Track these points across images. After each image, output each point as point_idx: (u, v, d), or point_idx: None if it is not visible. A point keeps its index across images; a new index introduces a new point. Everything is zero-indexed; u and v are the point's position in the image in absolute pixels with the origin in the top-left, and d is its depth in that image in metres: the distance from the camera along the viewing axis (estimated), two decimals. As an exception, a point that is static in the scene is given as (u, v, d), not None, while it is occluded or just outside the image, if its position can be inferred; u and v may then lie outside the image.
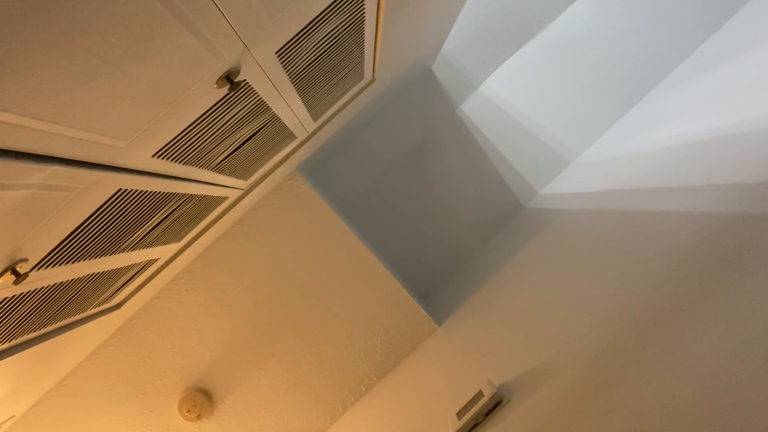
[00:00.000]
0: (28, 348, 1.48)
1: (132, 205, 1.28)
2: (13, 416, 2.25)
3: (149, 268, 2.00)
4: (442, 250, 3.37)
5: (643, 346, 1.15)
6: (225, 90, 1.13)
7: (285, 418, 2.62)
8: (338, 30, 1.40)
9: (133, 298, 2.20)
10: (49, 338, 1.59)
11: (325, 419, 2.62)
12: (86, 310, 1.76)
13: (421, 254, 3.36)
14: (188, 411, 2.55)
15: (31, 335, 1.49)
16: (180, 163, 1.31)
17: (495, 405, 1.51)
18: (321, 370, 2.64)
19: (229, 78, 1.09)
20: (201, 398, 2.57)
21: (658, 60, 3.37)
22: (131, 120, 0.95)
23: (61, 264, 1.23)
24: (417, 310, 2.66)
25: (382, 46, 1.83)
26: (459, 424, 1.54)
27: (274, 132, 1.75)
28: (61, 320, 1.60)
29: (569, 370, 1.34)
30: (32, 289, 1.23)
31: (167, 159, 1.23)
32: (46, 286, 1.28)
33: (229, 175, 1.75)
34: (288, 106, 1.61)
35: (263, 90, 1.34)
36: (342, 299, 2.67)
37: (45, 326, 1.52)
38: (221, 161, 1.56)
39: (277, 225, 2.64)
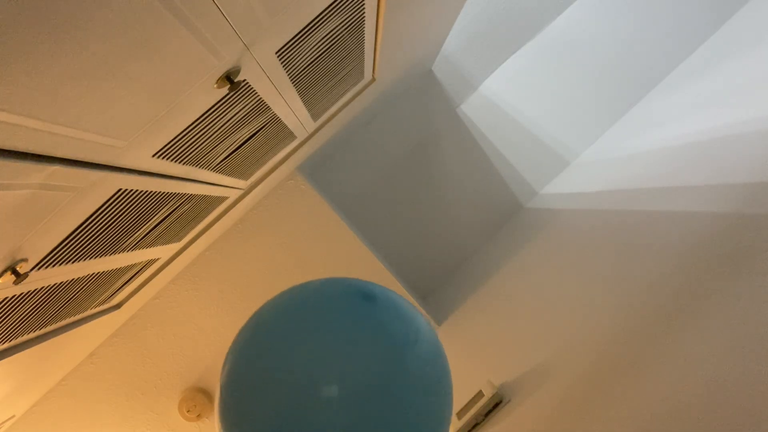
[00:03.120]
0: (28, 348, 1.48)
1: (132, 205, 1.28)
2: (13, 416, 2.25)
3: (149, 268, 2.00)
4: (442, 250, 3.37)
5: (643, 346, 1.15)
6: (225, 90, 1.13)
7: (285, 418, 2.62)
8: (338, 30, 1.40)
9: (133, 298, 2.20)
10: (49, 338, 1.59)
11: (325, 419, 2.62)
12: (86, 310, 1.76)
13: (421, 254, 3.36)
14: (188, 411, 2.55)
15: (31, 335, 1.49)
16: (180, 163, 1.31)
17: (495, 405, 1.51)
18: (321, 370, 2.63)
19: (229, 78, 1.09)
20: (201, 398, 2.57)
21: (658, 60, 3.37)
22: (131, 120, 0.95)
23: (61, 264, 1.23)
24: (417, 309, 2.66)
25: (382, 46, 1.83)
26: (459, 424, 1.54)
27: (274, 132, 1.75)
28: (61, 320, 1.60)
29: (569, 370, 1.34)
30: (32, 289, 1.23)
31: (167, 159, 1.23)
32: (46, 286, 1.28)
33: (229, 175, 1.75)
34: (288, 106, 1.61)
35: (263, 90, 1.34)
36: (342, 299, 2.66)
37: (45, 326, 1.52)
38: (221, 161, 1.56)
39: (277, 225, 2.64)
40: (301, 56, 1.35)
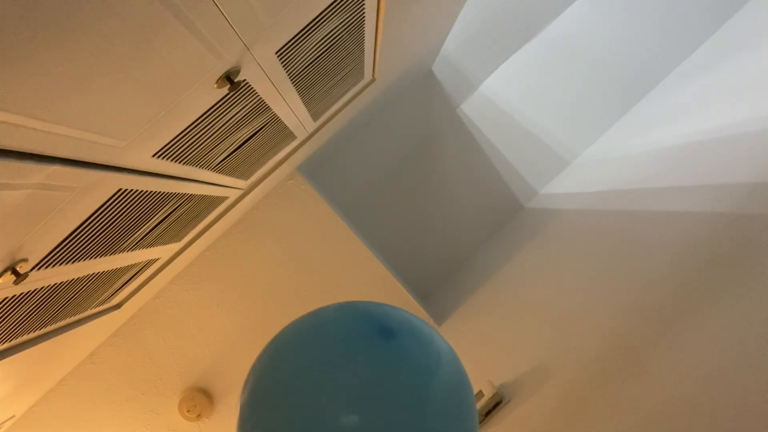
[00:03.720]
0: (28, 348, 1.48)
1: (132, 205, 1.28)
2: (13, 416, 2.25)
3: (149, 268, 2.00)
4: (442, 250, 3.37)
5: (643, 346, 1.15)
6: (225, 90, 1.13)
7: (285, 418, 2.61)
8: (338, 30, 1.40)
9: (133, 298, 2.20)
10: (49, 338, 1.59)
11: (325, 419, 2.62)
12: (86, 310, 1.76)
13: (421, 254, 3.36)
14: (188, 411, 2.55)
15: (31, 335, 1.49)
16: (180, 163, 1.31)
17: (495, 405, 1.51)
18: (321, 370, 2.63)
19: (229, 78, 1.09)
20: (201, 398, 2.57)
21: (658, 60, 3.37)
22: (131, 120, 0.95)
23: (61, 264, 1.23)
24: (417, 309, 2.66)
25: (383, 46, 1.83)
26: (459, 424, 1.54)
27: (274, 132, 1.75)
28: (61, 320, 1.60)
29: (569, 369, 1.34)
30: (32, 289, 1.23)
31: (167, 159, 1.23)
32: (46, 286, 1.28)
33: (229, 175, 1.75)
34: (288, 106, 1.61)
35: (263, 90, 1.34)
36: (342, 299, 2.66)
37: (45, 326, 1.52)
38: (221, 161, 1.56)
39: (277, 225, 2.64)
40: (301, 56, 1.35)
